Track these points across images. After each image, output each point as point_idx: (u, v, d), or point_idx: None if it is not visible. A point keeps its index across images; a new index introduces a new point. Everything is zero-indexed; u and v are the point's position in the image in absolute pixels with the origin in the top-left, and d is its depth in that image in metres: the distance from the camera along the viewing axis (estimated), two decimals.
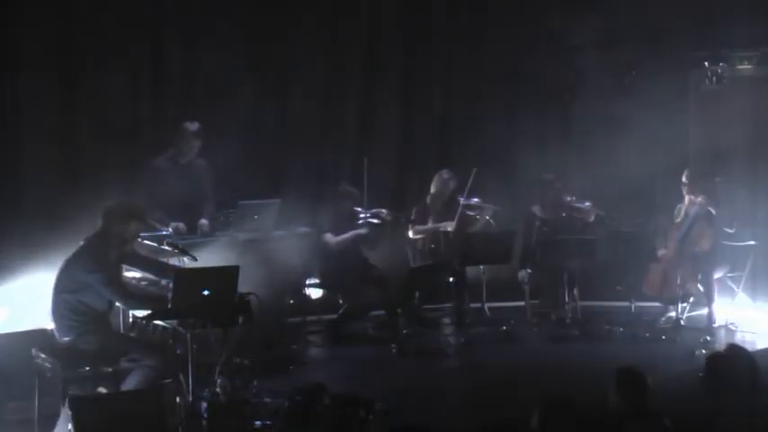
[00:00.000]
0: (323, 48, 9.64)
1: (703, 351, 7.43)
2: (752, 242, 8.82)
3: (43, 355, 5.85)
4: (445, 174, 9.06)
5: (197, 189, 7.90)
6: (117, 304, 6.05)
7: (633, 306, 9.06)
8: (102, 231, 6.01)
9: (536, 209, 9.17)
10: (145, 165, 7.98)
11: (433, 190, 9.06)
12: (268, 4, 9.24)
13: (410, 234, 8.93)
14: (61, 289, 5.92)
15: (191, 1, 8.85)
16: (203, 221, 7.75)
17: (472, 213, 8.97)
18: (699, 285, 8.62)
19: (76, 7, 8.07)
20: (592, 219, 8.97)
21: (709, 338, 8.07)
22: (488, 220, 9.05)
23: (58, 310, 5.91)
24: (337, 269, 8.36)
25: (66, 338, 5.88)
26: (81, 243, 6.02)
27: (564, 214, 9.03)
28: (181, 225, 7.53)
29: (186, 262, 6.49)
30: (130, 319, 6.38)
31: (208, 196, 7.95)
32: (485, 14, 10.33)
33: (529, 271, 8.92)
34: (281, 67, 9.35)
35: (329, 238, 8.36)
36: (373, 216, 8.51)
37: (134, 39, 8.50)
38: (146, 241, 6.72)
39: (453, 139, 10.34)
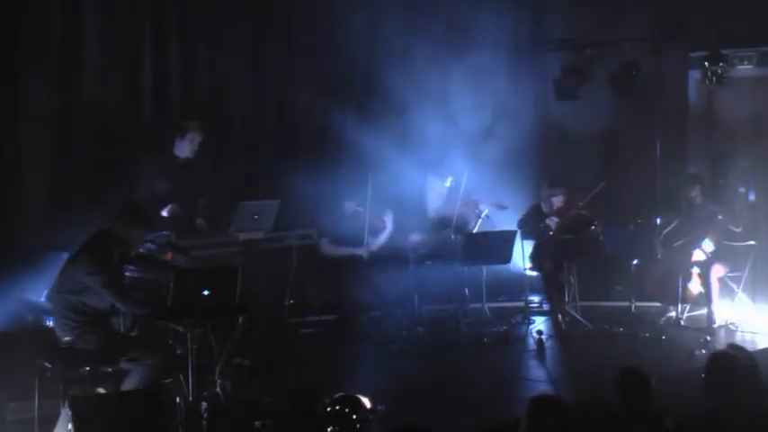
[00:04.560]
0: (322, 48, 9.63)
1: (703, 351, 7.43)
2: (752, 242, 8.81)
3: (43, 355, 5.85)
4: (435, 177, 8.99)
5: (196, 187, 7.91)
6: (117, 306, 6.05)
7: (633, 306, 9.09)
8: (107, 232, 5.97)
9: (544, 206, 9.07)
10: (144, 163, 7.98)
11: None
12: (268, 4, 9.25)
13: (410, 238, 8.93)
14: (62, 289, 5.92)
15: (191, 1, 8.85)
16: (201, 221, 7.76)
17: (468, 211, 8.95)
18: (699, 285, 8.63)
19: (77, 7, 8.06)
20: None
21: (709, 338, 8.05)
22: (487, 218, 9.02)
23: (59, 310, 5.91)
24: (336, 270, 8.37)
25: (66, 338, 5.87)
26: (83, 243, 6.00)
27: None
28: (175, 206, 7.52)
29: (182, 260, 6.49)
30: (131, 319, 6.38)
31: (205, 195, 7.96)
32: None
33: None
34: (281, 67, 9.33)
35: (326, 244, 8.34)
36: (376, 219, 8.52)
37: (134, 38, 8.49)
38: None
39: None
